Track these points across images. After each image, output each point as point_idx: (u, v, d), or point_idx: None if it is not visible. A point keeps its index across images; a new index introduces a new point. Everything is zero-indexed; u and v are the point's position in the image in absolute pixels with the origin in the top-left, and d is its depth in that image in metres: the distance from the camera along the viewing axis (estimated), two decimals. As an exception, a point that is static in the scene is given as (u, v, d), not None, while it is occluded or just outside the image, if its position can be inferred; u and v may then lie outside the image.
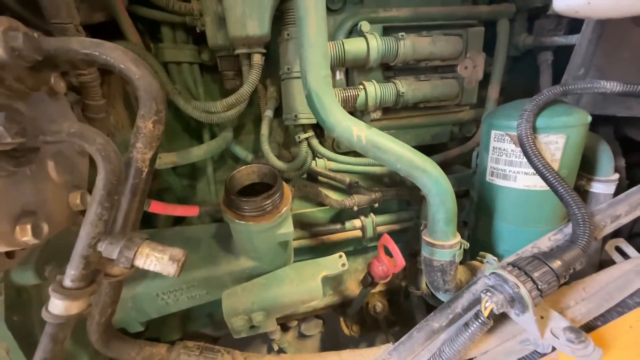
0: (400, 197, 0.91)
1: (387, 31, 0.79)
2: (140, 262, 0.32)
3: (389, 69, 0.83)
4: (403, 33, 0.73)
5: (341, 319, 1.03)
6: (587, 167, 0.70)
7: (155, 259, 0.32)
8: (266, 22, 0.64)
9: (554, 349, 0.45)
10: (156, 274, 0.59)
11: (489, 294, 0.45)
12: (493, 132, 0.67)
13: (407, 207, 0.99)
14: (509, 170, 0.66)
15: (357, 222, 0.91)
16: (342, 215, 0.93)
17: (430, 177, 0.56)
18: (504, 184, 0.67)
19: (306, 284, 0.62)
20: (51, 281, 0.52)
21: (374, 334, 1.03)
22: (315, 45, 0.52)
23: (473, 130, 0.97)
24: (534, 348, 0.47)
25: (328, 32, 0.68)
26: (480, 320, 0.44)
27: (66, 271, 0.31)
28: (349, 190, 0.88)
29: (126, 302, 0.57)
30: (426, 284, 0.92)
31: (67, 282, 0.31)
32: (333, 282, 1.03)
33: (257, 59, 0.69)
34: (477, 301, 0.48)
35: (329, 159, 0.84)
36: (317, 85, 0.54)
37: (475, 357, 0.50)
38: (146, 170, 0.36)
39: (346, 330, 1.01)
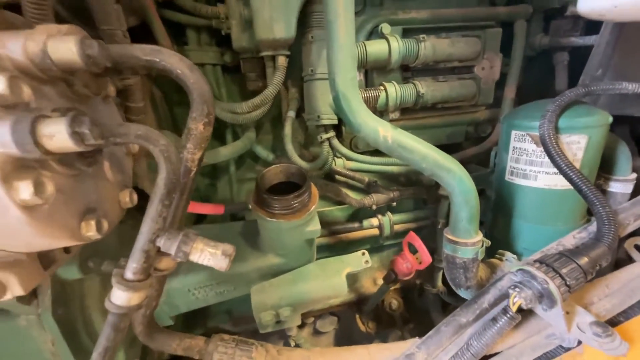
0: (417, 196, 0.92)
1: (406, 33, 0.80)
2: (195, 257, 0.34)
3: (406, 70, 0.84)
4: (424, 35, 0.75)
5: (357, 316, 1.05)
6: (605, 166, 0.71)
7: (209, 254, 0.34)
8: (292, 25, 0.65)
9: (579, 343, 0.47)
10: (189, 270, 0.61)
11: (517, 289, 0.46)
12: (514, 132, 0.68)
13: (422, 206, 1.00)
14: (530, 169, 0.67)
15: (374, 221, 0.93)
16: (359, 214, 0.94)
17: (455, 176, 0.57)
18: (524, 183, 0.69)
19: (331, 280, 0.64)
20: (91, 275, 0.54)
21: (388, 331, 1.05)
22: (344, 47, 0.53)
23: (488, 130, 0.98)
24: (559, 343, 0.48)
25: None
26: (508, 315, 0.46)
27: (128, 264, 0.33)
28: (367, 189, 0.89)
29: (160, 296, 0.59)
30: (442, 282, 0.93)
31: (129, 275, 0.33)
32: (349, 279, 1.05)
33: (282, 61, 0.70)
34: (503, 297, 0.50)
35: (349, 159, 0.85)
36: (345, 86, 0.55)
37: (502, 351, 0.51)
38: (194, 169, 0.38)
39: (362, 327, 1.03)
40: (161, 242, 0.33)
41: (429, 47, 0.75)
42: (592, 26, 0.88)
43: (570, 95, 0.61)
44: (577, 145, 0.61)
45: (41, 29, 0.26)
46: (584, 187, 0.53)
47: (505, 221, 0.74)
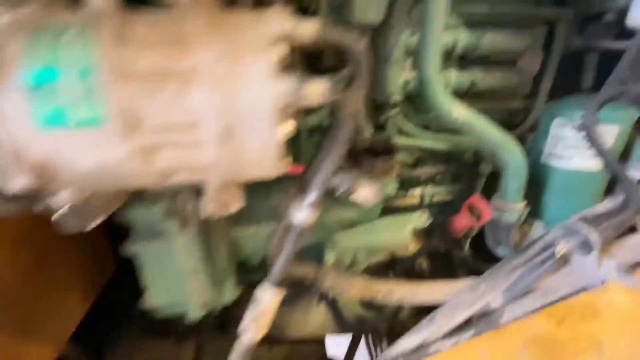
0: (457, 172, 1.05)
1: (465, 26, 0.89)
2: (357, 194, 0.45)
3: (460, 59, 0.95)
4: (488, 29, 0.85)
5: (390, 275, 1.20)
6: (623, 154, 0.85)
7: (367, 192, 0.46)
8: (382, 9, 0.74)
9: (602, 283, 0.62)
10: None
11: (563, 240, 0.60)
12: (556, 120, 0.81)
13: (457, 182, 1.14)
14: (566, 153, 0.80)
15: (417, 192, 1.06)
16: (403, 185, 1.07)
17: (511, 152, 0.70)
18: (559, 164, 0.82)
19: (398, 233, 0.77)
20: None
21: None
22: (437, 33, 0.64)
23: (519, 118, 1.10)
24: (585, 283, 0.63)
25: (410, 25, 0.80)
26: (554, 259, 0.60)
27: (308, 195, 0.44)
28: (415, 163, 1.01)
29: (260, 236, 0.71)
30: (487, 241, 1.03)
31: (309, 202, 0.44)
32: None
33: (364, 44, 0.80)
34: (547, 247, 0.64)
35: (407, 135, 0.97)
36: (433, 70, 0.66)
37: (538, 289, 0.66)
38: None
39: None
40: (336, 179, 0.44)
41: (490, 39, 0.85)
42: (623, 32, 1.00)
43: (610, 92, 0.74)
44: (610, 134, 0.74)
45: (280, 12, 0.36)
46: (617, 168, 0.67)
47: (536, 196, 0.88)
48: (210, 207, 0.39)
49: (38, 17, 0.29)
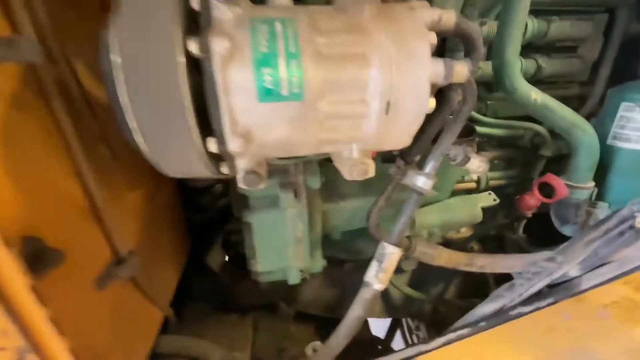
0: (514, 156, 1.09)
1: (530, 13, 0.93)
2: (470, 163, 0.51)
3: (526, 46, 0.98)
4: (555, 17, 0.88)
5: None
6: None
7: (479, 162, 0.51)
8: (460, 3, 0.79)
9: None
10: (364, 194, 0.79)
11: (642, 212, 0.64)
12: (623, 104, 0.84)
13: (511, 167, 1.17)
14: (633, 135, 0.83)
15: (474, 175, 1.10)
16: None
17: (585, 133, 0.74)
18: (625, 145, 0.85)
19: (470, 210, 0.83)
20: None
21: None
22: (519, 22, 0.68)
23: (575, 104, 1.13)
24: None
25: (478, 13, 0.84)
26: (635, 229, 0.64)
27: (428, 163, 0.50)
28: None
29: (346, 211, 0.78)
30: (553, 220, 1.06)
31: (428, 169, 0.50)
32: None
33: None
34: (624, 220, 0.68)
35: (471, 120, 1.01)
36: (512, 56, 0.71)
37: (614, 260, 0.70)
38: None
39: (447, 265, 1.24)
40: (452, 151, 0.50)
41: (557, 27, 0.89)
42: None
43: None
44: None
45: (422, 3, 0.42)
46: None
47: (600, 178, 0.91)
48: (354, 171, 0.46)
49: (248, 12, 0.37)
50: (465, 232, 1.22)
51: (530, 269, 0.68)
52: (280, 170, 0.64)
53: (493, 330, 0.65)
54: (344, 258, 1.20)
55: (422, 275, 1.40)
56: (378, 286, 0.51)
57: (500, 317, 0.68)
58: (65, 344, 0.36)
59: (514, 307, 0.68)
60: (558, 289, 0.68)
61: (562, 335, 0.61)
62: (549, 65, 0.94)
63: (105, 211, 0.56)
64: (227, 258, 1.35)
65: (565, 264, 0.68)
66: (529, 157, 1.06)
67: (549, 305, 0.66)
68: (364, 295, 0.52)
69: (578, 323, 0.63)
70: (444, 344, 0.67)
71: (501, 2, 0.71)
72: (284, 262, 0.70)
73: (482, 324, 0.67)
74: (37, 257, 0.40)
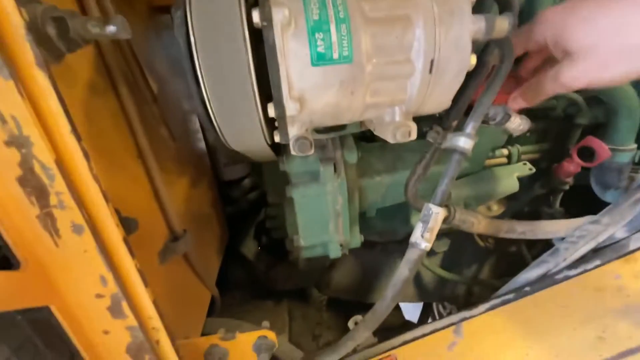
0: (548, 127, 1.06)
1: None
2: (510, 122, 0.52)
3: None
4: None
5: (475, 235, 1.24)
6: None
7: (520, 120, 0.52)
8: None
9: None
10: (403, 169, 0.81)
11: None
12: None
13: (543, 140, 1.15)
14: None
15: (504, 151, 1.09)
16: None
17: (624, 91, 0.72)
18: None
19: (506, 181, 0.83)
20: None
21: (505, 245, 1.25)
22: None
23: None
24: None
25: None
26: (685, 186, 0.63)
27: (469, 123, 0.52)
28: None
29: (381, 187, 0.80)
30: (593, 186, 1.03)
31: (469, 130, 0.52)
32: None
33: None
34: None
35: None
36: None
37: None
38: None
39: (481, 243, 1.23)
40: (492, 110, 0.51)
41: None
42: None
43: None
44: None
45: None
46: None
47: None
48: (398, 134, 0.48)
49: (297, -16, 0.39)
50: (497, 209, 1.21)
51: (574, 232, 0.68)
52: (319, 146, 0.67)
53: (539, 294, 0.65)
54: (376, 240, 1.21)
55: (455, 256, 1.39)
56: (425, 245, 0.53)
57: (545, 281, 0.68)
58: (150, 295, 0.40)
59: (560, 271, 0.68)
60: (605, 251, 0.67)
61: (612, 294, 0.61)
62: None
63: (163, 192, 0.60)
64: (259, 247, 1.40)
65: (611, 225, 0.67)
66: (563, 128, 1.03)
67: (596, 267, 0.65)
68: (410, 256, 0.54)
69: (629, 282, 0.62)
70: (488, 310, 0.68)
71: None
72: (325, 236, 0.73)
73: (527, 288, 0.68)
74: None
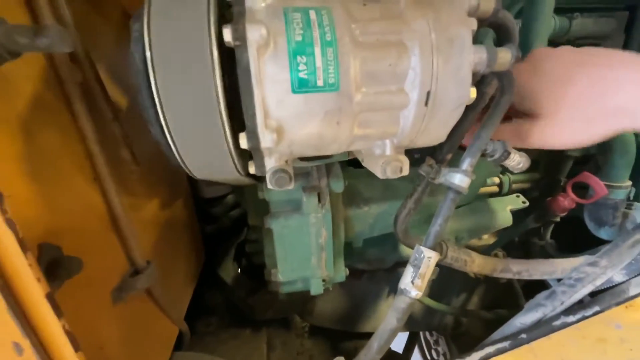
0: (539, 158, 1.05)
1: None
2: (509, 160, 0.48)
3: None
4: (577, 14, 0.86)
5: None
6: None
7: (519, 157, 0.48)
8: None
9: None
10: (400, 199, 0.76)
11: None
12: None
13: (534, 169, 1.13)
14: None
15: (496, 179, 1.06)
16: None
17: (620, 129, 0.70)
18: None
19: (499, 213, 0.78)
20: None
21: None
22: (547, 21, 0.66)
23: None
24: None
25: None
26: (685, 229, 0.60)
27: (465, 159, 0.47)
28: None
29: (369, 217, 0.75)
30: (587, 223, 1.00)
31: (465, 166, 0.47)
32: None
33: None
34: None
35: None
36: (539, 52, 0.68)
37: (663, 264, 0.65)
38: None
39: (471, 273, 1.18)
40: (490, 146, 0.47)
41: (579, 24, 0.87)
42: None
43: None
44: None
45: None
46: None
47: (633, 179, 0.87)
48: (388, 169, 0.43)
49: (280, 2, 0.35)
50: (488, 239, 1.17)
51: (572, 274, 0.64)
52: (303, 174, 0.62)
53: (536, 343, 0.60)
54: (362, 268, 1.15)
55: (443, 284, 1.34)
56: (415, 294, 0.47)
57: (542, 328, 0.63)
58: (83, 360, 0.33)
59: (557, 316, 0.63)
60: (604, 296, 0.63)
61: (614, 347, 0.56)
62: (571, 63, 0.92)
63: (123, 219, 0.53)
64: (239, 270, 1.31)
65: (609, 268, 0.63)
66: (555, 159, 1.02)
67: (596, 313, 0.61)
68: (399, 305, 0.48)
69: (630, 333, 0.58)
70: (483, 359, 0.62)
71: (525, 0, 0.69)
72: (307, 271, 0.67)
73: (523, 336, 0.62)
74: (55, 266, 0.38)
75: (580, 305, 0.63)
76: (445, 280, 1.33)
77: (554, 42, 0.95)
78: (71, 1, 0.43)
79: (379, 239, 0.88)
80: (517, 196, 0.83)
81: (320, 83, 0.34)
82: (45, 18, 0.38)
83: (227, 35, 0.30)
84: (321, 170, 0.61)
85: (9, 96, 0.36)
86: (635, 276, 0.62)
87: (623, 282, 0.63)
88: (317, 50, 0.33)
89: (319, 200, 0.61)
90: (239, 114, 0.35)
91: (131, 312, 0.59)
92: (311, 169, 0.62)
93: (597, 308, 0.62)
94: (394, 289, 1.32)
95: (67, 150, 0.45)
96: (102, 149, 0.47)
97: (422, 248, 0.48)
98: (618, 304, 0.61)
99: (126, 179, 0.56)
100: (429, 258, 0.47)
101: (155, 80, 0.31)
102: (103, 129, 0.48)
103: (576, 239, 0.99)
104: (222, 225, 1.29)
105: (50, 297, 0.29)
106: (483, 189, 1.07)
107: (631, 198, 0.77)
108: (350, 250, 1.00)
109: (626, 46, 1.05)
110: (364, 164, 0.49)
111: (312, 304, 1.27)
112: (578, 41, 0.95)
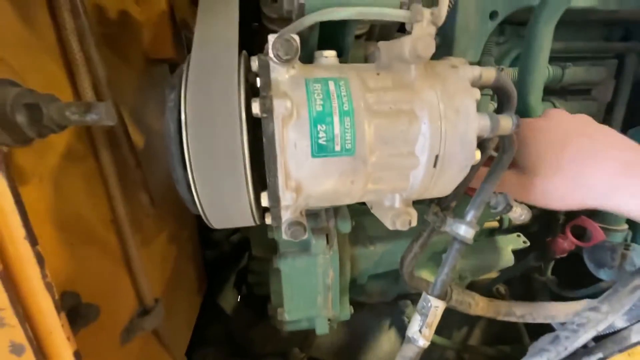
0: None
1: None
2: (512, 212, 0.50)
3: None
4: (569, 63, 0.92)
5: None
6: None
7: (520, 210, 0.51)
8: (480, 49, 0.83)
9: None
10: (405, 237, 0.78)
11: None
12: None
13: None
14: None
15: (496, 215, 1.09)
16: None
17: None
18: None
19: (500, 253, 0.80)
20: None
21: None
22: (542, 71, 0.71)
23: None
24: None
25: (494, 60, 0.88)
26: (683, 277, 0.61)
27: (470, 211, 0.49)
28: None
29: (374, 256, 0.76)
30: (587, 264, 1.02)
31: (469, 218, 0.49)
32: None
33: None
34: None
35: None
36: (535, 101, 0.73)
37: (663, 310, 0.66)
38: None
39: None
40: (493, 200, 0.50)
41: (571, 73, 0.92)
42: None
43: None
44: None
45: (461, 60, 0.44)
46: None
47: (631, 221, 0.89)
48: (397, 222, 0.45)
49: (302, 73, 0.38)
50: (490, 273, 1.18)
51: (574, 319, 0.64)
52: (311, 214, 0.64)
53: (541, 390, 0.60)
54: (363, 301, 1.15)
55: (444, 318, 1.33)
56: (423, 343, 0.48)
57: (545, 374, 0.63)
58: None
59: (561, 362, 0.64)
60: (605, 342, 0.64)
61: (620, 398, 0.56)
62: (566, 107, 0.97)
63: (136, 260, 0.54)
64: (239, 298, 1.30)
65: (611, 314, 0.64)
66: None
67: (599, 361, 0.61)
68: (407, 354, 0.48)
69: (635, 382, 0.58)
70: (488, 406, 0.61)
71: (523, 52, 0.74)
72: (313, 311, 0.67)
73: (528, 382, 0.62)
74: (74, 314, 0.39)
75: (584, 350, 0.63)
76: (446, 313, 1.32)
77: (548, 89, 1.01)
78: (103, 56, 0.46)
79: (382, 273, 0.88)
80: (518, 236, 0.85)
81: (337, 148, 0.36)
82: (85, 90, 0.40)
83: (256, 108, 0.33)
84: (329, 212, 0.63)
85: (43, 151, 0.38)
86: (636, 323, 0.63)
87: (624, 329, 0.64)
88: (336, 119, 0.36)
89: (327, 242, 0.62)
90: (258, 168, 0.37)
91: (136, 353, 0.59)
92: (320, 211, 0.64)
93: (600, 355, 0.62)
94: (394, 322, 1.31)
95: (90, 196, 0.47)
96: (122, 193, 0.49)
97: (430, 297, 0.49)
98: (620, 351, 0.62)
99: (141, 221, 0.58)
100: (436, 307, 0.49)
101: (188, 143, 0.33)
102: (126, 174, 0.50)
103: (577, 275, 1.00)
104: (223, 250, 1.29)
105: (77, 356, 0.30)
106: (484, 225, 1.09)
107: (628, 240, 0.79)
108: (353, 285, 1.00)
109: (616, 92, 1.11)
110: (372, 211, 0.52)
111: (312, 337, 1.25)
112: (571, 87, 1.00)
